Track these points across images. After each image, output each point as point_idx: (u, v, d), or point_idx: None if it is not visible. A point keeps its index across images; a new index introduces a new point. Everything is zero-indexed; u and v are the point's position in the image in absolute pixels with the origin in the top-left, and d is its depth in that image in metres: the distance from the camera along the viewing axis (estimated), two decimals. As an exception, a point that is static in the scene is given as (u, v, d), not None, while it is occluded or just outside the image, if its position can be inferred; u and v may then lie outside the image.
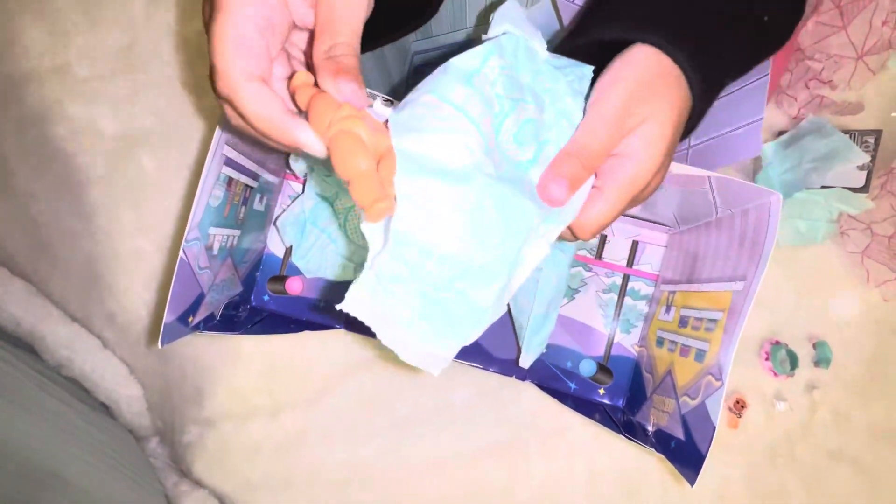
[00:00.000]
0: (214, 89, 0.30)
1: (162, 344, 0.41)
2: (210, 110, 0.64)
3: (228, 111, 0.31)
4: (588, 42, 0.35)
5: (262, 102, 0.29)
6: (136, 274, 0.63)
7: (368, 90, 0.31)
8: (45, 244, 0.63)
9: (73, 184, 0.62)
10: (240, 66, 0.29)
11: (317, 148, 0.29)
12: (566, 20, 0.42)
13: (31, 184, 0.63)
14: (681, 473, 0.43)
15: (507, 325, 0.60)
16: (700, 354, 0.46)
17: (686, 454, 0.44)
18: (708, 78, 0.33)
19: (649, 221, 0.59)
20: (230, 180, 0.47)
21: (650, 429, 0.52)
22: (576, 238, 0.34)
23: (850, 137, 0.59)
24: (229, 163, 0.45)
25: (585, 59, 0.35)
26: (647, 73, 0.32)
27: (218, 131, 0.41)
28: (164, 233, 0.63)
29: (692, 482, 0.41)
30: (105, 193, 0.62)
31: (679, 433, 0.46)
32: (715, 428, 0.41)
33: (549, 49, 0.35)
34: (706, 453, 0.41)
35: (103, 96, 0.63)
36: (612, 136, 0.31)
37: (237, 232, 0.51)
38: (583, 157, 0.31)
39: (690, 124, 0.35)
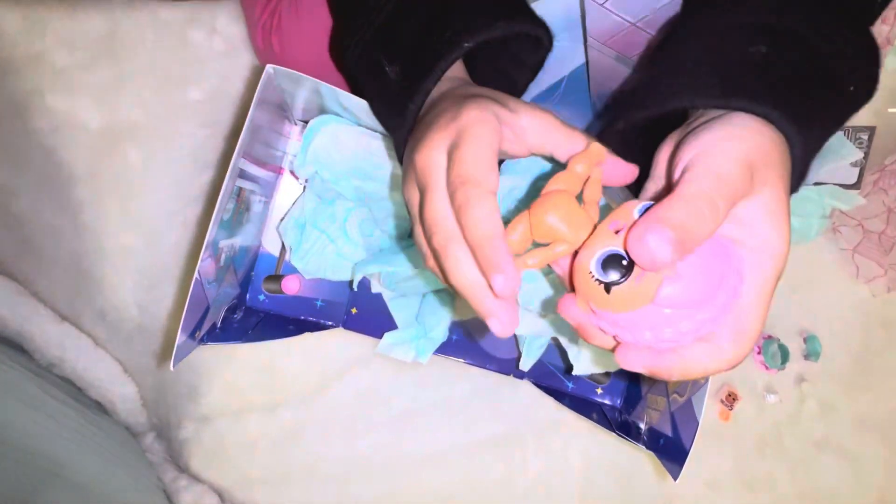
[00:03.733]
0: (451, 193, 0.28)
1: (174, 366, 0.40)
2: (198, 101, 0.61)
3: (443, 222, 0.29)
4: (660, 113, 0.30)
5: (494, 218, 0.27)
6: (125, 270, 0.61)
7: None
8: (29, 242, 0.61)
9: (57, 179, 0.60)
10: (492, 179, 0.28)
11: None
12: (590, 19, 0.40)
13: (12, 180, 0.60)
14: (666, 469, 0.45)
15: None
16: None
17: (672, 450, 0.45)
18: (806, 160, 0.29)
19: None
20: (240, 190, 0.45)
21: (643, 427, 0.53)
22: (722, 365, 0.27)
23: (844, 133, 0.59)
24: (242, 174, 0.44)
25: (634, 134, 0.33)
26: (762, 139, 0.27)
27: (238, 148, 0.39)
28: (152, 228, 0.61)
29: (675, 477, 0.43)
30: (90, 189, 0.60)
31: (668, 430, 0.47)
32: (699, 424, 0.42)
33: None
34: (689, 449, 0.42)
35: (84, 86, 0.60)
36: (722, 189, 0.25)
37: (238, 238, 0.50)
38: (692, 207, 0.24)
39: None
